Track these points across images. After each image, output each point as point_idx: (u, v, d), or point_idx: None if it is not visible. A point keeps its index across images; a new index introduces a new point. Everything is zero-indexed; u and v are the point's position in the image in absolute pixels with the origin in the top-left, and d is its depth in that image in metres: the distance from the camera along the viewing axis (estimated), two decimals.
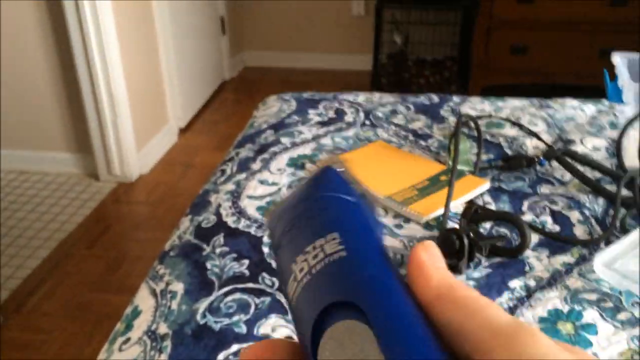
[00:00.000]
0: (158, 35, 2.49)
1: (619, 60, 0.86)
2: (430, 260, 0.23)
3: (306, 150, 0.98)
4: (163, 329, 0.62)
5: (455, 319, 0.21)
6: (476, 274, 0.69)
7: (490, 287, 0.67)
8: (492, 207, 0.82)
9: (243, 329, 0.61)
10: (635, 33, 2.74)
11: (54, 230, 2.00)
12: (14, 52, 2.22)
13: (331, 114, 1.12)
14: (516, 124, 0.97)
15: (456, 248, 0.67)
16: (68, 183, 2.28)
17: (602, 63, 2.79)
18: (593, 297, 0.65)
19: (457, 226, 0.76)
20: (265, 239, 0.75)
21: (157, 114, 2.53)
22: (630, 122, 0.81)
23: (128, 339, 0.63)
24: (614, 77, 0.88)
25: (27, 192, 2.22)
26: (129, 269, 1.82)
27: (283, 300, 0.64)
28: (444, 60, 3.13)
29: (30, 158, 2.36)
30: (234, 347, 0.59)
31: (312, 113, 1.13)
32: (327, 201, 0.26)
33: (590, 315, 0.62)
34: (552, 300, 0.64)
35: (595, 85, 0.95)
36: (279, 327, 0.62)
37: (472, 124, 1.00)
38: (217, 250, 0.74)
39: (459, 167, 0.88)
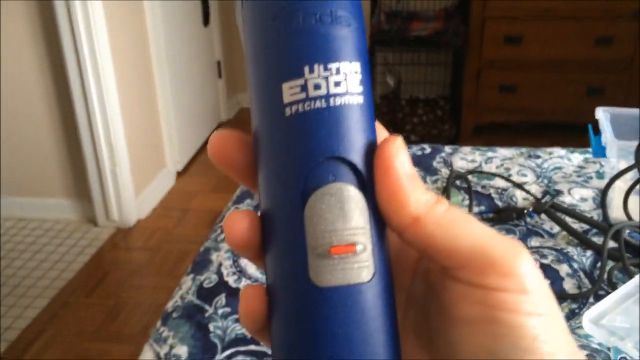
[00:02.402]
0: (156, 80, 2.55)
1: (602, 115, 0.90)
2: (405, 175, 0.21)
3: None
4: None
5: (437, 240, 0.21)
6: None
7: None
8: None
9: None
10: (621, 71, 2.81)
11: (53, 278, 2.01)
12: (13, 100, 2.26)
13: None
14: (505, 178, 1.00)
15: None
16: (66, 230, 2.30)
17: (591, 100, 2.86)
18: (583, 352, 0.67)
19: None
20: None
21: (154, 159, 2.57)
22: (615, 176, 0.84)
23: None
24: (598, 132, 0.92)
25: (26, 240, 2.24)
26: (128, 317, 1.82)
27: None
28: (436, 99, 3.19)
29: (28, 205, 2.39)
30: None
31: None
32: (353, 13, 0.22)
33: None
34: None
35: (583, 124, 0.99)
36: None
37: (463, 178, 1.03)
38: (220, 311, 0.76)
39: None
